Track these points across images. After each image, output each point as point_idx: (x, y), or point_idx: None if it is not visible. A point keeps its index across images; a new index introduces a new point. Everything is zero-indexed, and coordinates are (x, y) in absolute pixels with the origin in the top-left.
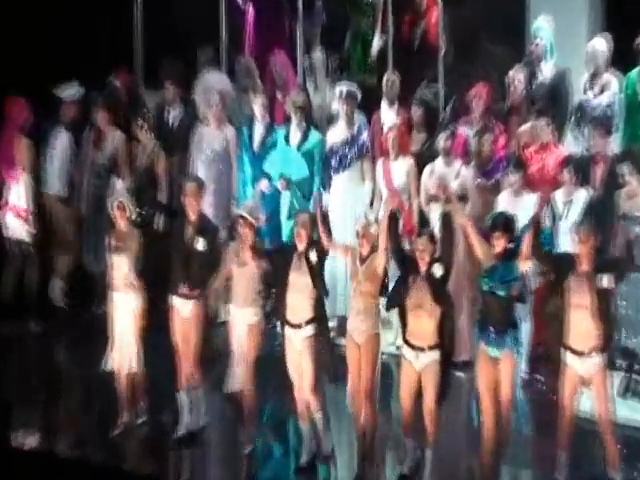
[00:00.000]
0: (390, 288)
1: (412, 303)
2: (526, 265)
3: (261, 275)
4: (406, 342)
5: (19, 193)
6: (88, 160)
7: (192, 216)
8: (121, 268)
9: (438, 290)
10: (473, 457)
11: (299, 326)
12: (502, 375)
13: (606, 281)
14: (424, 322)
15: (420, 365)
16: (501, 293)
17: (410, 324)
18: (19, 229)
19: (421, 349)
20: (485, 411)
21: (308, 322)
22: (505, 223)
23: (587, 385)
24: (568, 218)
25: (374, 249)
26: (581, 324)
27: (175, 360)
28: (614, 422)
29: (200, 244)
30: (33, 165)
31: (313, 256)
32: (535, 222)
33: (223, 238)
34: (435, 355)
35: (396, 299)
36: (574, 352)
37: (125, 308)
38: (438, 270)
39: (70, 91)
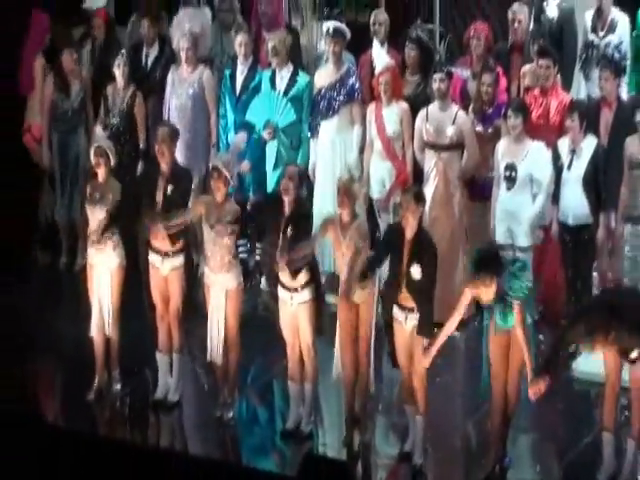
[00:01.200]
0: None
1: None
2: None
3: (236, 235)
4: (396, 303)
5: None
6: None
7: (164, 165)
8: (98, 220)
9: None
10: (474, 419)
11: (294, 289)
12: (514, 340)
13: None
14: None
15: (409, 326)
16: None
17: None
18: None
19: (410, 310)
20: (495, 377)
21: (304, 286)
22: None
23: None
24: (573, 168)
25: (355, 216)
26: None
27: (155, 320)
28: None
29: (172, 194)
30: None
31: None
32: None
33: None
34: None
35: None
36: None
37: (102, 264)
38: (416, 273)
39: None
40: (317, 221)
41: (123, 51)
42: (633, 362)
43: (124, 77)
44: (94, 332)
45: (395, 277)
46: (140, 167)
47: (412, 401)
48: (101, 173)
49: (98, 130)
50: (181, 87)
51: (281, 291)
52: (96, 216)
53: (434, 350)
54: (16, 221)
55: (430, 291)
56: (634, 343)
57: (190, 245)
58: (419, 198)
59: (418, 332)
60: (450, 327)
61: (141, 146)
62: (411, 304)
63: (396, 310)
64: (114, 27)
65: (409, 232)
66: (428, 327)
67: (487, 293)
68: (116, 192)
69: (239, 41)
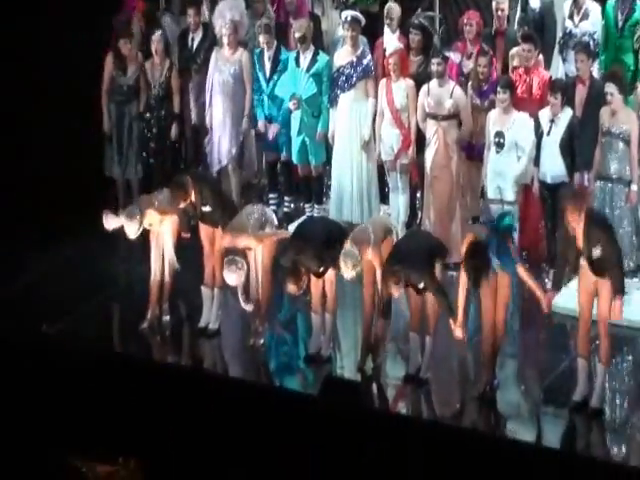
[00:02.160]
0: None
1: None
2: None
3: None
4: None
5: None
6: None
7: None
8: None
9: None
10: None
11: None
12: (500, 281)
13: None
14: None
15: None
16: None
17: None
18: None
19: None
20: (485, 311)
21: None
22: None
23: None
24: (552, 135)
25: None
26: None
27: (202, 260)
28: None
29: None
30: None
31: None
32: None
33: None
34: None
35: None
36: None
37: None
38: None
39: None
40: (334, 179)
41: (160, 31)
42: (599, 269)
43: (159, 53)
44: (154, 271)
45: None
46: (174, 129)
47: (420, 328)
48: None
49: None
50: (224, 66)
51: None
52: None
53: None
54: (85, 176)
55: None
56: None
57: None
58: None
59: None
60: None
61: (176, 111)
62: None
63: None
64: (154, 14)
65: None
66: None
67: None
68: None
69: (265, 27)
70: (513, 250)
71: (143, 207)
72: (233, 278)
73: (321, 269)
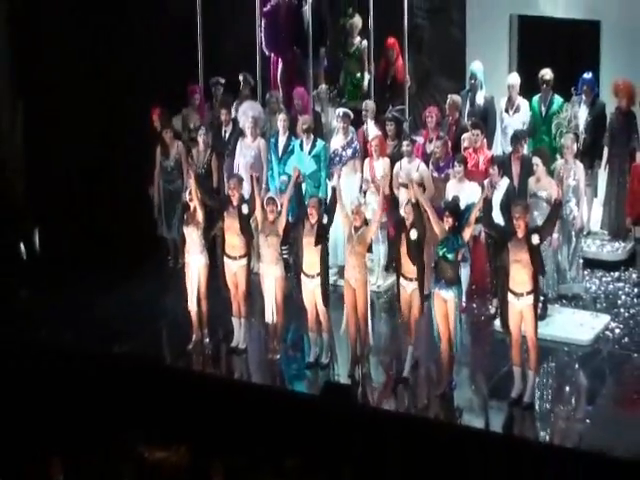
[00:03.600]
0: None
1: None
2: (468, 234)
3: (280, 240)
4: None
5: None
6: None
7: (234, 201)
8: (192, 237)
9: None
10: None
11: (312, 276)
12: (449, 309)
13: (536, 239)
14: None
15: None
16: (450, 256)
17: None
18: None
19: (410, 279)
20: (441, 331)
21: (318, 274)
22: (453, 207)
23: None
24: (494, 198)
25: (365, 222)
26: (519, 273)
27: (229, 298)
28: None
29: (245, 209)
30: None
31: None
32: (484, 201)
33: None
34: (414, 285)
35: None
36: (514, 294)
37: (195, 264)
38: (413, 234)
39: None
40: (331, 232)
41: (204, 128)
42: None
43: (203, 143)
44: (191, 306)
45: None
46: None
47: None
48: (192, 205)
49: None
50: (247, 151)
51: (303, 277)
52: (189, 233)
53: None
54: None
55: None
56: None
57: (251, 251)
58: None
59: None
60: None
61: (215, 186)
62: (410, 275)
63: (402, 280)
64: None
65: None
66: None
67: (447, 222)
68: (203, 217)
69: (282, 121)
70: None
71: None
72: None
73: None
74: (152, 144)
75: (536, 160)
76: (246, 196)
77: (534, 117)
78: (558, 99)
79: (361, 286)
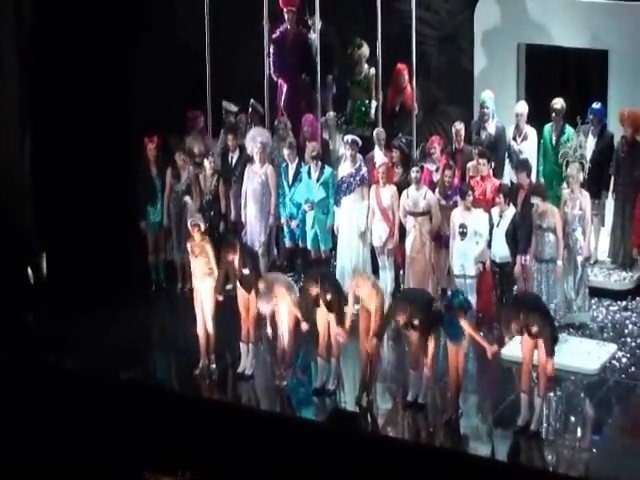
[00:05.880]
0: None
1: None
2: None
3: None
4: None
5: None
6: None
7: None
8: (199, 265)
9: None
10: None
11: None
12: (459, 350)
13: None
14: None
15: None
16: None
17: None
18: None
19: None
20: (450, 362)
21: None
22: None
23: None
24: (500, 226)
25: None
26: None
27: (239, 322)
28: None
29: (246, 270)
30: None
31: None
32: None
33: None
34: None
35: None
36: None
37: (203, 288)
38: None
39: None
40: (339, 260)
41: (211, 157)
42: (535, 336)
43: (210, 169)
44: (199, 331)
45: None
46: (222, 225)
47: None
48: (196, 236)
49: (190, 206)
50: (254, 177)
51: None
52: (196, 264)
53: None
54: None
55: None
56: (531, 321)
57: None
58: None
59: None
60: None
61: (223, 211)
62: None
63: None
64: (181, 141)
65: None
66: None
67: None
68: (209, 245)
69: (289, 148)
70: (467, 320)
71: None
72: (267, 308)
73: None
74: (149, 169)
75: (535, 199)
76: (252, 222)
77: (545, 146)
78: (569, 129)
79: (378, 309)
